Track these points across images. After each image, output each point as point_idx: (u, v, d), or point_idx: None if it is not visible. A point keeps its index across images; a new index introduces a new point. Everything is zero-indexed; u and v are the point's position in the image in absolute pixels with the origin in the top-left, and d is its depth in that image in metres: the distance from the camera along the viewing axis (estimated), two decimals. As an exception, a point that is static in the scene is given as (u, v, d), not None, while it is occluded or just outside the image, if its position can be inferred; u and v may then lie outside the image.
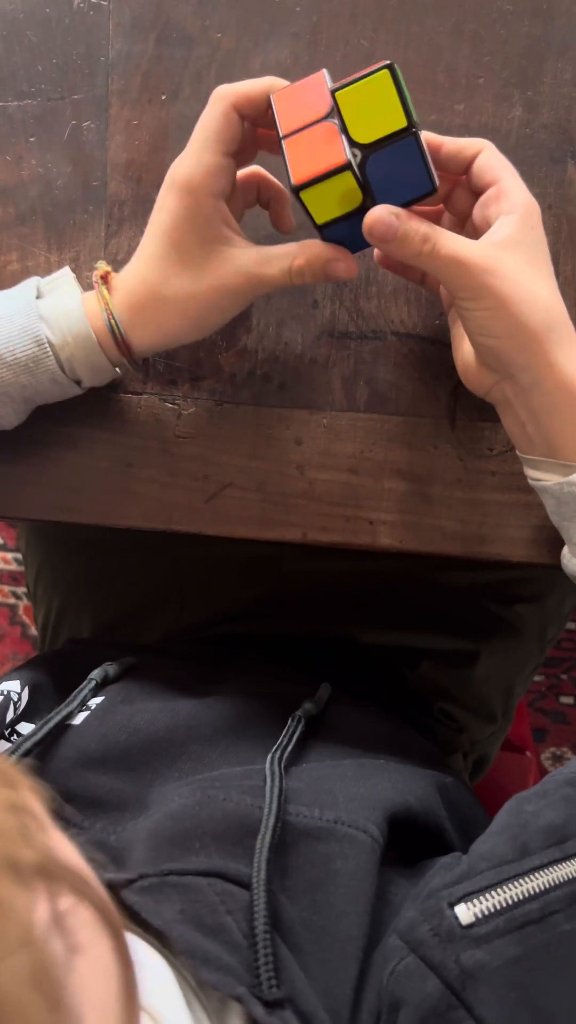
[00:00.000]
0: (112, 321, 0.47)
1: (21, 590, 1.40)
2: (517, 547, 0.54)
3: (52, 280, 0.49)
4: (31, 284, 0.49)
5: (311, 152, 0.41)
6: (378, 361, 0.54)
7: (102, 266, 0.48)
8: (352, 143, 0.41)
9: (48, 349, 0.47)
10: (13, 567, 1.40)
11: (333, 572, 0.70)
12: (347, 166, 0.41)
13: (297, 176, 0.41)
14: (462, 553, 0.54)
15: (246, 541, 0.56)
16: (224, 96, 0.44)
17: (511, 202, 0.44)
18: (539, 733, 1.32)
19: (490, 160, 0.44)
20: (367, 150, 0.41)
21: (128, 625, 0.73)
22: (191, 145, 0.45)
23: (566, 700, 1.32)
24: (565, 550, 0.49)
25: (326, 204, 0.43)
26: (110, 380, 0.51)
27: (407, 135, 0.41)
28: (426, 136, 0.44)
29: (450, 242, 0.42)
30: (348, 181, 0.42)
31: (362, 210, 0.43)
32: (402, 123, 0.41)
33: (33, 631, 1.40)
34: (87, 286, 0.52)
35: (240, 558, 0.70)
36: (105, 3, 0.53)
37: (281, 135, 0.42)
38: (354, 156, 0.41)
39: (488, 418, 0.54)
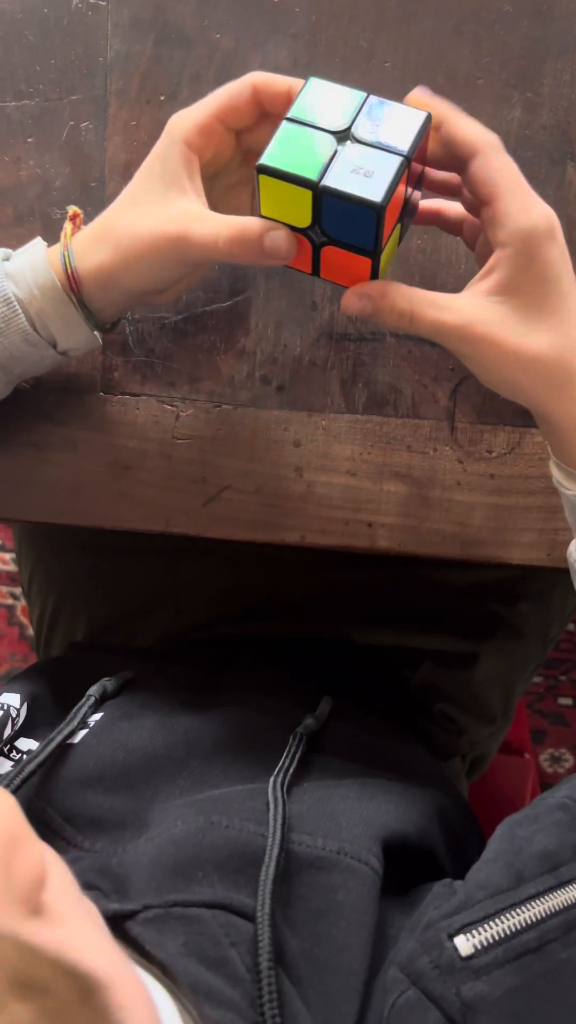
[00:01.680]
0: (65, 253, 0.45)
1: (19, 591, 1.40)
2: (516, 550, 0.54)
3: (23, 248, 0.48)
4: None
5: (296, 150, 0.40)
6: (377, 363, 0.54)
7: (72, 208, 0.48)
8: (322, 175, 0.40)
9: (16, 306, 0.45)
10: (11, 568, 1.40)
11: (330, 574, 0.70)
12: (313, 186, 0.39)
13: (268, 160, 0.40)
14: (461, 556, 0.54)
15: (244, 543, 0.55)
16: (253, 76, 0.43)
17: (506, 230, 0.39)
18: (537, 735, 1.32)
19: (483, 173, 0.39)
20: (323, 192, 0.40)
21: (124, 626, 0.73)
22: (199, 101, 0.44)
23: (565, 702, 1.32)
24: (572, 545, 0.48)
25: (278, 202, 0.41)
26: (89, 346, 0.49)
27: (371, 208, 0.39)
28: (436, 111, 0.41)
29: (428, 310, 0.40)
30: (305, 199, 0.40)
31: (307, 231, 0.41)
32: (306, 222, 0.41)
33: (31, 632, 1.40)
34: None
35: (237, 559, 0.70)
36: (104, 3, 0.53)
37: (287, 116, 0.41)
38: (320, 187, 0.39)
39: (487, 421, 0.53)
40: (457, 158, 0.41)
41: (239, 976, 0.33)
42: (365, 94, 0.41)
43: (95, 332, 0.48)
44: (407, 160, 0.39)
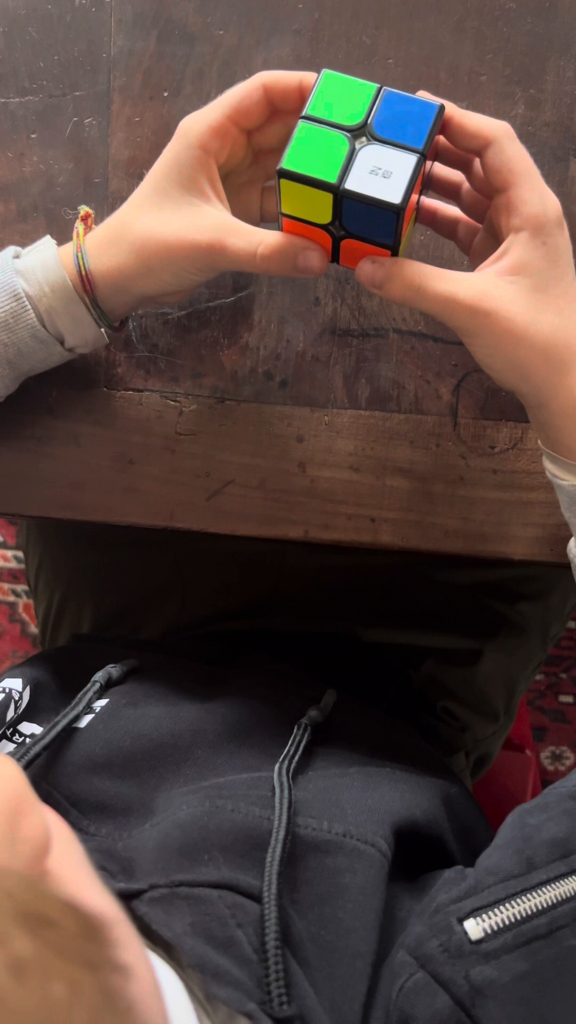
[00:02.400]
0: (79, 254, 0.45)
1: (21, 588, 1.40)
2: (519, 545, 0.54)
3: (33, 246, 0.48)
4: (8, 250, 0.48)
5: (315, 151, 0.41)
6: (380, 358, 0.54)
7: (84, 208, 0.48)
8: (341, 178, 0.40)
9: (25, 302, 0.46)
10: (13, 565, 1.40)
11: (336, 569, 0.70)
12: (334, 189, 0.40)
13: (288, 164, 0.41)
14: (464, 551, 0.54)
15: (248, 538, 0.56)
16: (262, 76, 0.43)
17: (520, 215, 0.40)
18: (538, 732, 1.32)
19: (498, 161, 0.40)
20: (343, 195, 0.40)
21: (129, 620, 0.73)
22: (209, 104, 0.44)
23: (565, 699, 1.33)
24: (572, 542, 0.48)
25: (298, 202, 0.42)
26: (96, 344, 0.50)
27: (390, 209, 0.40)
28: (448, 108, 0.41)
29: (439, 283, 0.40)
30: (326, 200, 0.41)
31: (327, 227, 0.42)
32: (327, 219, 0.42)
33: (32, 629, 1.40)
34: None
35: (242, 554, 0.70)
36: (107, 0, 0.53)
37: (303, 114, 0.41)
38: (340, 191, 0.40)
39: (490, 416, 0.54)
40: (466, 151, 0.42)
41: (246, 956, 0.33)
42: (378, 86, 0.41)
43: (103, 330, 0.49)
44: (423, 156, 0.40)
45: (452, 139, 0.42)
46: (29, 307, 0.46)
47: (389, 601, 0.71)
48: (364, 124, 0.41)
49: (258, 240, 0.43)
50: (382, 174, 0.40)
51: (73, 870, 0.28)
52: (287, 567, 0.70)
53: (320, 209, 0.42)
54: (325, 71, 0.42)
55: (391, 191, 0.40)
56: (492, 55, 0.52)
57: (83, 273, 0.45)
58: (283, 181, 0.41)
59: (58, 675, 0.55)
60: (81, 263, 0.45)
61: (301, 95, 0.43)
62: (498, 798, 0.93)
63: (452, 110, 0.41)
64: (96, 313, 0.47)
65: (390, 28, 0.52)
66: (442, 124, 0.42)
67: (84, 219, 0.47)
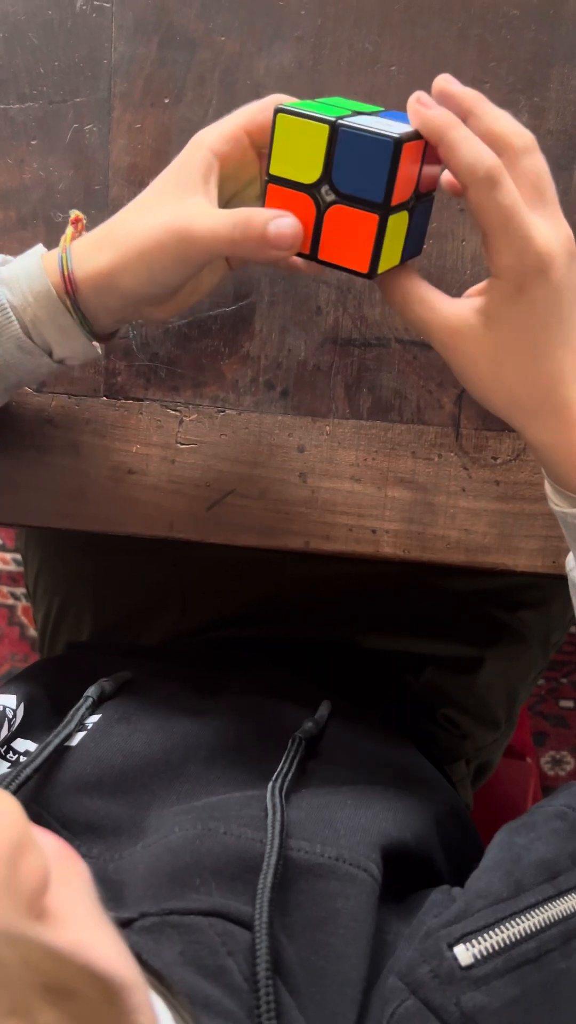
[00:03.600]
0: (63, 255, 0.44)
1: (20, 591, 1.40)
2: (521, 557, 0.54)
3: (23, 254, 0.47)
4: None
5: (316, 106, 0.41)
6: (382, 368, 0.54)
7: (75, 212, 0.47)
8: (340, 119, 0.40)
9: (9, 312, 0.44)
10: (12, 567, 1.39)
11: (335, 577, 0.70)
12: (331, 123, 0.39)
13: (288, 104, 0.41)
14: (466, 563, 0.54)
15: (248, 548, 0.55)
16: (274, 98, 0.43)
17: (497, 266, 0.39)
18: (539, 737, 1.32)
19: (474, 205, 0.38)
20: (340, 129, 0.40)
21: (129, 626, 0.73)
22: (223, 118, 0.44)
23: (566, 704, 1.32)
24: (569, 557, 0.48)
25: (289, 151, 0.41)
26: (86, 356, 0.48)
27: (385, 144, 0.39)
28: (437, 128, 0.39)
29: (417, 307, 0.41)
30: (320, 143, 0.40)
31: (314, 189, 0.41)
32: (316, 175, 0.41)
33: (32, 632, 1.40)
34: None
35: (242, 561, 0.70)
36: (108, 5, 0.53)
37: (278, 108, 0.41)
38: (337, 124, 0.39)
39: (492, 427, 0.53)
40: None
41: (236, 985, 0.33)
42: (381, 108, 0.42)
43: (92, 341, 0.47)
44: (418, 134, 0.39)
45: (447, 166, 0.40)
46: (13, 317, 0.44)
47: (389, 608, 0.70)
48: (363, 114, 0.41)
49: (222, 220, 0.41)
50: (380, 126, 0.39)
51: (74, 903, 0.28)
52: (287, 575, 0.70)
53: (311, 160, 0.40)
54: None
55: (389, 131, 0.39)
56: (496, 63, 0.51)
57: (65, 274, 0.44)
58: (279, 121, 0.40)
59: (52, 688, 0.55)
60: (64, 264, 0.44)
61: None
62: (499, 804, 0.93)
63: (449, 137, 0.38)
64: (78, 317, 0.45)
65: (393, 35, 0.52)
66: (431, 149, 0.41)
67: (74, 222, 0.46)
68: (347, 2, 0.51)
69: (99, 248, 0.44)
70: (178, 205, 0.42)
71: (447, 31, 0.51)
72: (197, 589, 0.72)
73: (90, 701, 0.49)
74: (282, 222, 0.40)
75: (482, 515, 0.54)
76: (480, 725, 0.74)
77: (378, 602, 0.71)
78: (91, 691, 0.50)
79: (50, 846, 0.30)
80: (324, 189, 0.41)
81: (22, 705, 0.51)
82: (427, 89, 0.52)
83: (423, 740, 0.67)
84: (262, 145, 0.44)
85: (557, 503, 0.44)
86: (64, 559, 0.75)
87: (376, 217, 0.40)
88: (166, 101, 0.53)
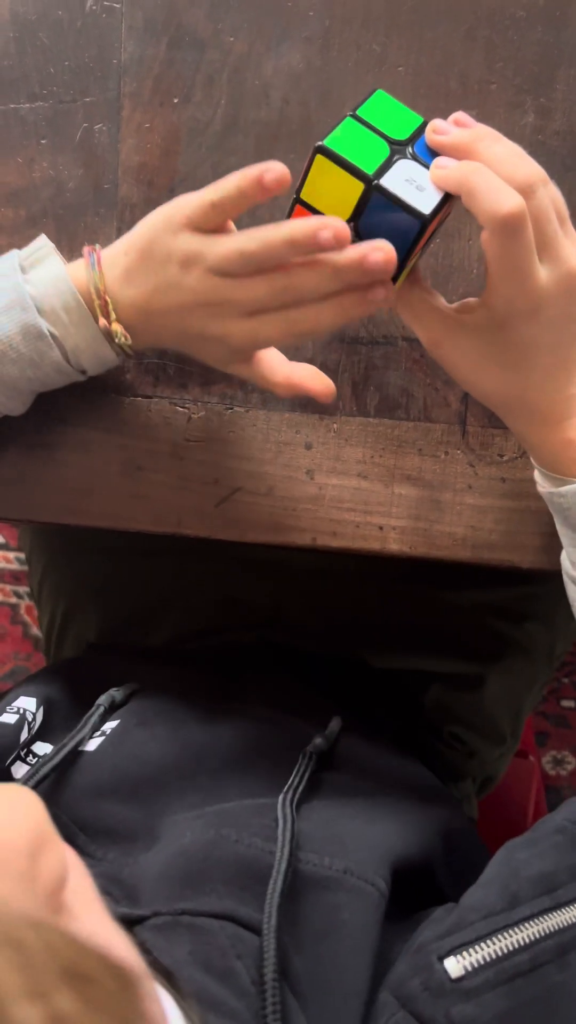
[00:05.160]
0: (119, 334, 0.46)
1: (23, 589, 1.40)
2: (527, 553, 0.54)
3: (33, 253, 0.47)
4: (13, 267, 0.46)
5: (357, 143, 0.41)
6: (389, 366, 0.54)
7: (97, 248, 0.47)
8: (377, 175, 0.40)
9: (51, 342, 0.46)
10: (15, 566, 1.40)
11: (339, 592, 0.70)
12: (368, 180, 0.40)
13: (331, 143, 0.40)
14: (472, 559, 0.54)
15: (255, 546, 0.56)
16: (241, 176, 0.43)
17: (489, 301, 0.41)
18: (540, 737, 1.32)
19: (493, 248, 0.39)
20: (375, 190, 0.40)
21: (134, 630, 0.73)
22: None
23: (567, 704, 1.33)
24: (563, 555, 0.49)
25: (323, 189, 0.41)
26: (113, 365, 0.50)
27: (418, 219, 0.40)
28: (457, 183, 0.40)
29: (405, 311, 0.44)
30: (354, 192, 0.41)
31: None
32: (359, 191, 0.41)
33: (35, 631, 1.40)
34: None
35: (248, 564, 0.70)
36: (118, 6, 0.53)
37: (352, 113, 0.42)
38: (375, 184, 0.40)
39: (499, 424, 0.54)
40: None
41: (244, 988, 0.33)
42: (423, 120, 0.42)
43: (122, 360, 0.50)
44: (449, 195, 0.41)
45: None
46: (54, 346, 0.46)
47: (392, 624, 0.70)
48: (407, 142, 0.41)
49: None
50: (416, 186, 0.40)
51: (86, 901, 0.28)
52: (292, 581, 0.70)
53: (343, 203, 0.41)
54: (378, 90, 0.43)
55: (423, 202, 0.40)
56: (502, 64, 0.52)
57: (121, 345, 0.47)
58: (318, 159, 0.40)
59: (70, 692, 0.55)
60: (123, 340, 0.46)
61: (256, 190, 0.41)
62: (502, 805, 0.93)
63: (470, 184, 0.39)
64: (120, 351, 0.48)
65: (400, 36, 0.52)
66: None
67: (90, 254, 0.46)
68: (355, 3, 0.52)
69: (136, 328, 0.46)
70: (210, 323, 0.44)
71: (454, 32, 0.52)
72: (201, 592, 0.72)
73: (102, 709, 0.50)
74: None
75: (488, 512, 0.54)
76: (486, 741, 0.74)
77: (380, 618, 0.70)
78: (102, 699, 0.51)
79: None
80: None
81: (41, 708, 0.51)
82: (431, 88, 0.52)
83: (430, 758, 0.67)
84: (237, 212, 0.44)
85: (543, 484, 0.48)
86: (69, 562, 0.76)
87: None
88: (175, 101, 0.53)
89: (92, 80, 0.54)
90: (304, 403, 0.54)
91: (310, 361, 0.54)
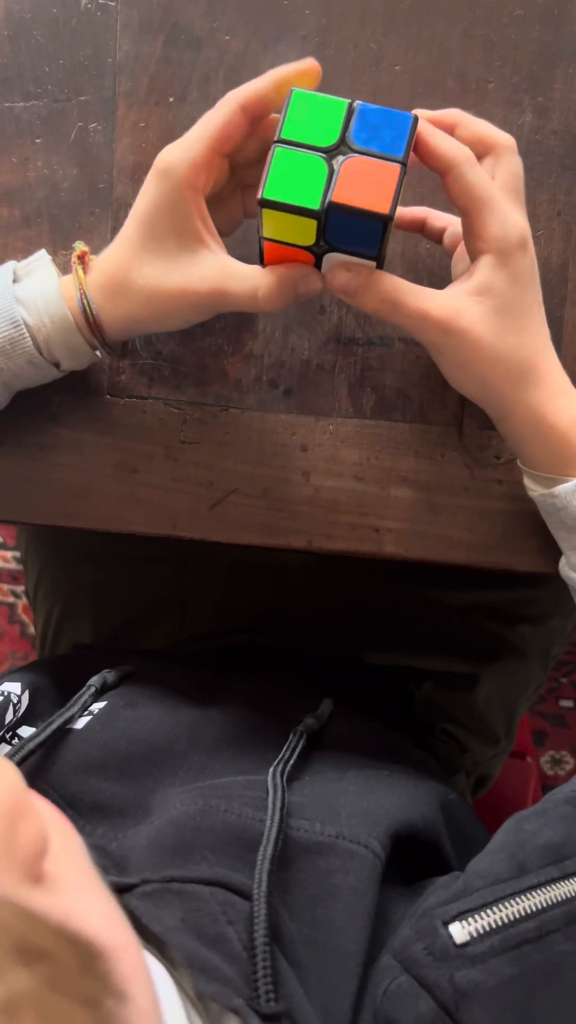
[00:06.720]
0: (85, 301, 0.46)
1: (20, 589, 1.40)
2: (524, 556, 0.54)
3: (28, 263, 0.48)
4: (7, 268, 0.48)
5: (294, 176, 0.39)
6: (385, 368, 0.54)
7: (79, 246, 0.48)
8: (324, 198, 0.40)
9: (24, 331, 0.46)
10: (13, 566, 1.39)
11: (334, 594, 0.70)
12: (317, 216, 0.40)
13: (269, 193, 0.40)
14: (468, 562, 0.54)
15: (250, 549, 0.55)
16: (233, 97, 0.43)
17: (484, 239, 0.42)
18: (538, 736, 1.32)
19: (458, 186, 0.41)
20: (329, 210, 0.40)
21: (129, 635, 0.73)
22: (186, 135, 0.43)
23: (566, 704, 1.32)
24: (562, 560, 0.49)
25: (281, 227, 0.41)
26: (91, 362, 0.50)
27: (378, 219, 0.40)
28: (420, 124, 0.41)
29: (413, 299, 0.42)
30: (310, 224, 0.40)
31: (310, 247, 0.42)
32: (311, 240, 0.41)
33: (32, 630, 1.40)
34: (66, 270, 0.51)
35: (243, 569, 0.70)
36: (113, 4, 0.53)
37: (277, 139, 0.40)
38: (326, 205, 0.39)
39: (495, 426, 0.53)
40: (432, 169, 0.42)
41: (235, 953, 0.33)
42: (349, 102, 0.41)
43: (100, 356, 0.50)
44: (404, 165, 0.40)
45: (420, 156, 0.42)
46: (27, 335, 0.46)
47: (387, 624, 0.70)
48: (340, 143, 0.40)
49: (255, 283, 0.44)
50: (367, 184, 0.39)
51: (72, 870, 0.28)
52: (287, 584, 0.70)
53: (303, 232, 0.41)
54: (294, 90, 0.41)
55: (379, 201, 0.39)
56: (500, 62, 0.51)
57: (91, 320, 0.46)
58: (264, 210, 0.40)
59: (57, 681, 0.55)
60: (88, 310, 0.46)
61: (279, 93, 0.42)
62: (500, 805, 0.93)
63: (422, 127, 0.41)
64: (105, 351, 0.49)
65: (398, 34, 0.52)
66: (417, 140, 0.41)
67: (81, 258, 0.47)
68: (352, 1, 0.51)
69: (121, 297, 0.46)
70: (200, 263, 0.44)
71: (452, 31, 0.51)
72: (197, 597, 0.72)
73: (93, 689, 0.50)
74: (311, 280, 0.44)
75: (485, 515, 0.54)
76: (479, 740, 0.74)
77: (375, 619, 0.70)
78: (94, 680, 0.51)
79: (47, 813, 0.30)
80: (320, 245, 0.42)
81: (27, 692, 0.51)
82: (429, 87, 0.52)
83: (423, 750, 0.67)
84: (233, 150, 0.44)
85: (533, 488, 0.47)
86: (64, 567, 0.75)
87: (373, 263, 0.43)
88: (171, 100, 0.53)
89: (87, 79, 0.53)
90: (300, 404, 0.54)
91: (306, 362, 0.54)
